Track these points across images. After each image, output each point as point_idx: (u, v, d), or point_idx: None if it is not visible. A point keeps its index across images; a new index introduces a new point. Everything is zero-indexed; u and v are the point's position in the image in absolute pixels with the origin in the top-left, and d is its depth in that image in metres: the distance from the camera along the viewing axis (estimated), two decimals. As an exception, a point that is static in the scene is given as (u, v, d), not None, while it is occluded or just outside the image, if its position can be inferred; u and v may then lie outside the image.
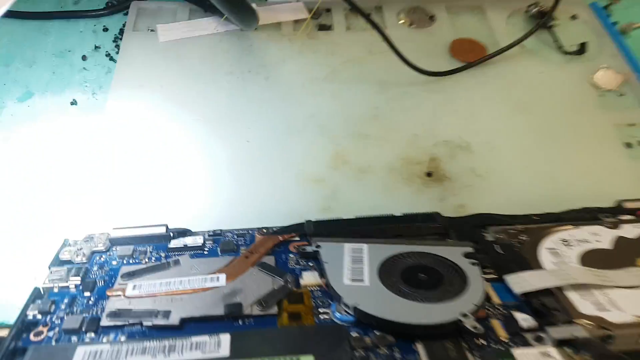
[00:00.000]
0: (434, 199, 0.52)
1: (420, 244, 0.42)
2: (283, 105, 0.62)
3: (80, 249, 0.44)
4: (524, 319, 0.36)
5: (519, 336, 0.35)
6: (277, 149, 0.56)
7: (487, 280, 0.39)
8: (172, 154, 0.55)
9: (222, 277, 0.40)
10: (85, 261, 0.43)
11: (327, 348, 0.33)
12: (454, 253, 0.41)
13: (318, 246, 0.43)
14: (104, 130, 0.60)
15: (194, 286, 0.39)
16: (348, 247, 0.42)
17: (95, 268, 0.42)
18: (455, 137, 0.57)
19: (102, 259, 0.43)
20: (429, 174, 0.54)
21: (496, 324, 0.36)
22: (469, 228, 0.45)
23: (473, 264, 0.40)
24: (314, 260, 0.42)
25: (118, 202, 0.53)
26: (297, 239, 0.45)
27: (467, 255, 0.40)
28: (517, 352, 0.33)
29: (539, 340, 0.35)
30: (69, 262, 0.43)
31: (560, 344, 0.34)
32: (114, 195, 0.53)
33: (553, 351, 0.33)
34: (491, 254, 0.42)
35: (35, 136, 0.59)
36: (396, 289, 0.38)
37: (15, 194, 0.53)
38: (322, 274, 0.40)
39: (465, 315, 0.35)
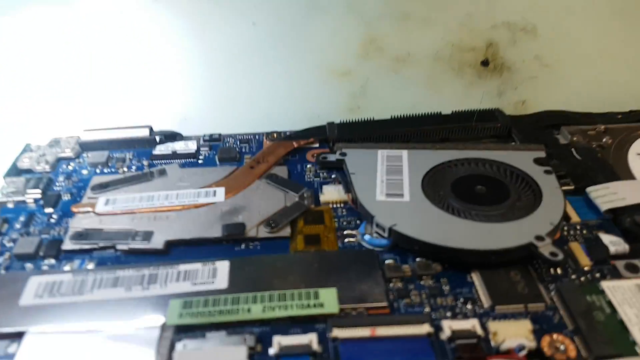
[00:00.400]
0: (490, 93, 0.42)
1: (477, 149, 0.34)
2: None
3: (43, 155, 0.35)
4: (613, 242, 0.27)
5: (606, 264, 0.27)
6: (291, 33, 0.43)
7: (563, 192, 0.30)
8: (157, 44, 0.44)
9: (220, 191, 0.31)
10: (48, 170, 0.34)
11: (355, 279, 0.25)
12: (521, 159, 0.32)
13: (343, 154, 0.34)
14: (75, 22, 0.49)
15: (184, 202, 0.30)
16: (382, 155, 0.33)
17: (60, 178, 0.34)
18: (518, 17, 0.44)
19: (70, 167, 0.35)
20: (484, 63, 0.43)
21: (577, 249, 0.28)
22: (538, 129, 0.36)
23: (547, 172, 0.31)
24: (338, 172, 0.34)
25: (93, 105, 0.43)
26: (317, 145, 0.36)
27: (539, 162, 0.31)
28: (605, 284, 0.25)
29: (633, 269, 0.26)
30: (28, 171, 0.34)
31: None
32: (88, 96, 0.43)
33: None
34: (567, 160, 0.33)
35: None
36: (446, 205, 0.29)
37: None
38: (348, 187, 0.32)
39: (539, 238, 0.26)
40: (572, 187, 0.31)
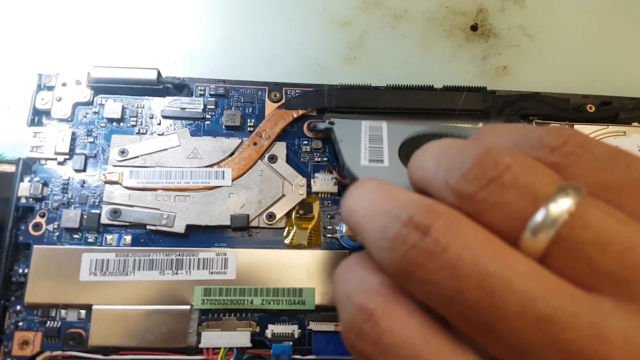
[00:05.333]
0: (475, 57, 0.44)
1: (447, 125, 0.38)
2: None
3: (60, 99, 0.37)
4: None
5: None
6: None
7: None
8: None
9: (228, 173, 0.36)
10: (68, 117, 0.37)
11: (329, 279, 0.34)
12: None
13: (331, 122, 0.38)
14: None
15: (197, 181, 0.36)
16: (365, 125, 0.38)
17: (81, 132, 0.37)
18: None
19: (87, 117, 0.38)
20: (473, 27, 0.44)
21: None
22: (514, 113, 0.40)
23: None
24: (329, 143, 0.38)
25: (94, 42, 0.42)
26: (314, 114, 0.39)
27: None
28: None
29: None
30: (48, 113, 0.37)
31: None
32: (93, 26, 0.42)
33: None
34: None
35: None
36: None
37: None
38: (336, 156, 0.37)
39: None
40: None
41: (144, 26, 0.44)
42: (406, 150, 0.36)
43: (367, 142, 0.36)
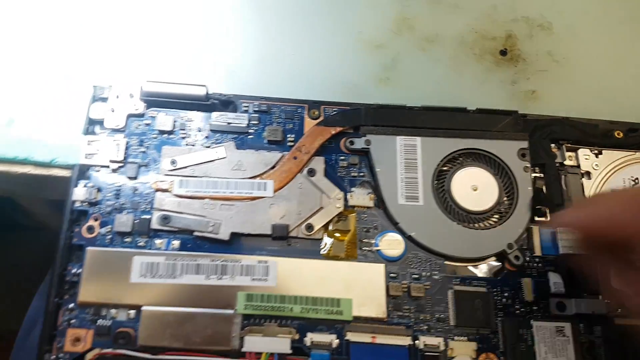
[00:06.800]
0: (505, 81, 0.46)
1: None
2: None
3: (114, 110, 0.40)
4: (556, 284, 0.37)
5: (543, 300, 0.37)
6: (333, 3, 0.46)
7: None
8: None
9: (270, 184, 0.38)
10: (121, 128, 0.39)
11: (363, 292, 0.36)
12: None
13: (368, 142, 0.40)
14: None
15: (242, 191, 0.38)
16: (400, 143, 0.40)
17: (134, 142, 0.39)
18: (537, 14, 0.48)
19: (139, 128, 0.40)
20: (503, 52, 0.46)
21: (527, 284, 0.37)
22: (545, 137, 0.41)
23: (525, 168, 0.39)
24: (365, 159, 0.40)
25: (142, 58, 0.46)
26: (351, 132, 0.41)
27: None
28: (535, 323, 0.36)
29: (561, 308, 0.36)
30: (101, 123, 0.39)
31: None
32: (145, 43, 0.46)
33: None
34: (554, 185, 0.40)
35: None
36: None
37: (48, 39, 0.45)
38: (373, 179, 0.39)
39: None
40: (547, 220, 0.40)
41: (189, 44, 0.46)
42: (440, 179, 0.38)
43: (403, 161, 0.39)
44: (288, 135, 0.41)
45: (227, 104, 0.41)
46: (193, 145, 0.39)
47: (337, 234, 0.38)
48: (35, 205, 0.64)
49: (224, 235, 0.37)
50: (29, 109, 0.43)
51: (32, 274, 0.54)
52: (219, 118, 0.40)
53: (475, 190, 0.39)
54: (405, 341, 0.35)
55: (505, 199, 0.39)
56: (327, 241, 0.38)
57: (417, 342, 0.35)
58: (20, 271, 0.68)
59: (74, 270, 0.35)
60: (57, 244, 0.36)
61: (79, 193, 0.37)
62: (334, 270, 0.36)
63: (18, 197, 0.59)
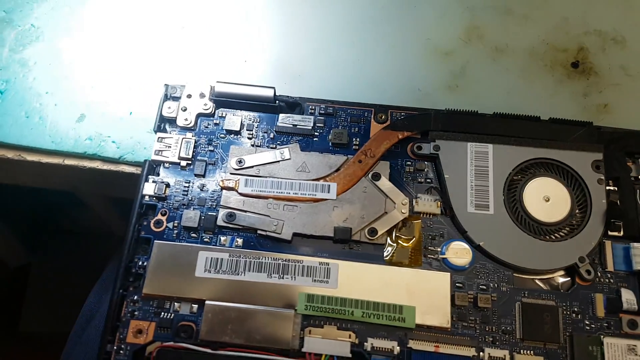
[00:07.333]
0: (576, 93, 0.44)
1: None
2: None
3: (185, 109, 0.41)
4: (628, 300, 0.35)
5: (615, 316, 0.35)
6: (403, 11, 0.46)
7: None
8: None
9: (333, 187, 0.38)
10: (191, 126, 0.40)
11: (427, 300, 0.35)
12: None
13: (437, 147, 0.39)
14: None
15: (305, 192, 0.38)
16: (471, 150, 0.39)
17: (203, 140, 0.40)
18: (610, 28, 0.47)
19: (208, 127, 0.41)
20: (574, 65, 0.45)
21: (599, 299, 0.35)
22: (620, 149, 0.39)
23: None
24: (432, 163, 0.39)
25: (212, 60, 0.47)
26: (419, 137, 0.41)
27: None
28: (606, 340, 0.34)
29: (633, 325, 0.35)
30: (173, 121, 0.41)
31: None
32: (208, 51, 0.47)
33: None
34: (629, 198, 0.38)
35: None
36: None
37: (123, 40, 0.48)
38: (440, 184, 0.38)
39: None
40: (620, 234, 0.38)
41: (257, 48, 0.47)
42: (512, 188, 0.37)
43: (474, 168, 0.38)
44: (353, 139, 0.40)
45: (293, 106, 0.42)
46: (259, 145, 0.40)
47: (401, 240, 0.37)
48: (96, 203, 0.66)
49: (286, 235, 0.37)
50: (100, 105, 0.45)
51: (85, 276, 0.55)
52: (285, 120, 0.41)
53: (547, 201, 0.37)
54: (470, 352, 0.34)
55: (577, 211, 0.38)
56: (391, 247, 0.37)
57: (481, 353, 0.34)
58: (74, 274, 0.69)
59: (140, 263, 0.36)
60: (125, 236, 0.37)
61: (149, 188, 0.38)
62: (396, 276, 0.36)
63: (81, 193, 0.61)
